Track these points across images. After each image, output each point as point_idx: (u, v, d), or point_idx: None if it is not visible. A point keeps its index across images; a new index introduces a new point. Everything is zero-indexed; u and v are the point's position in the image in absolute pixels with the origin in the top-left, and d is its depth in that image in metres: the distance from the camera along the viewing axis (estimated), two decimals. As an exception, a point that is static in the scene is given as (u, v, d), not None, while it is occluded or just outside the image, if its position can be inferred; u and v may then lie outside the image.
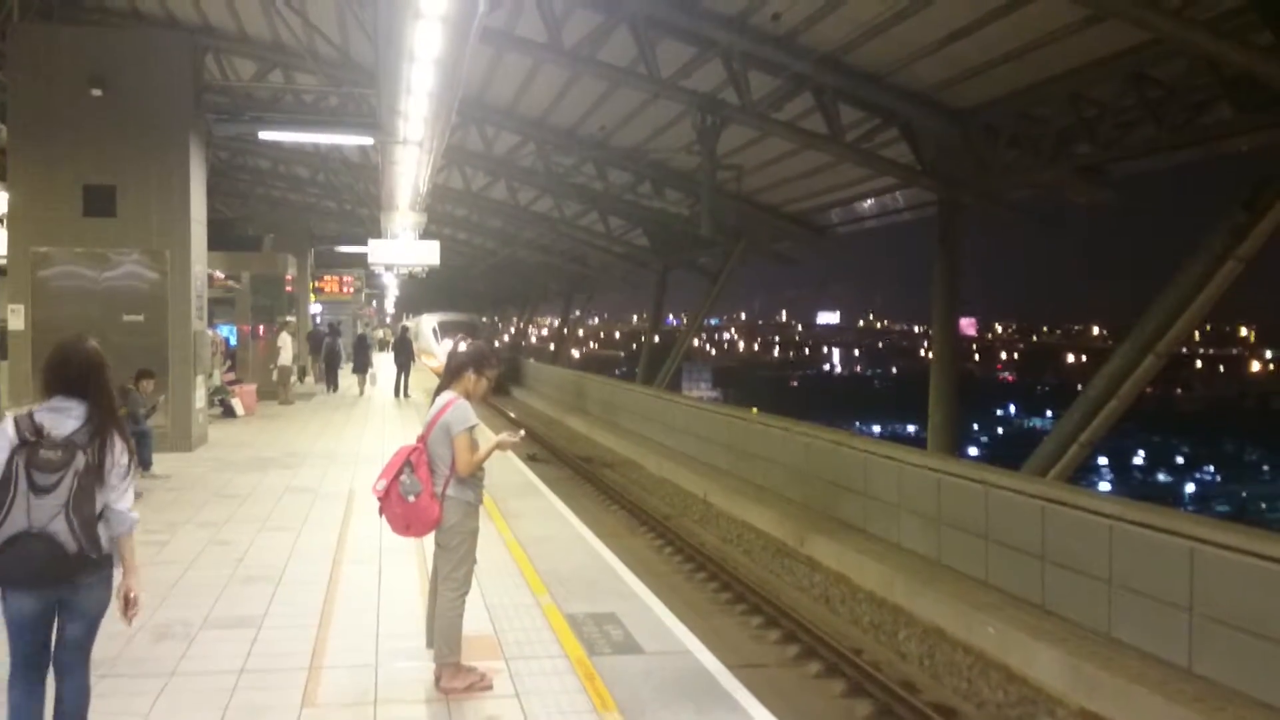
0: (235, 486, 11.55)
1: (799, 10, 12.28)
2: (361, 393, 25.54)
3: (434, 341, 38.09)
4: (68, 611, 3.87)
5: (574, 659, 5.82)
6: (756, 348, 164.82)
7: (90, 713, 4.01)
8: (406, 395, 24.41)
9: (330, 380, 26.70)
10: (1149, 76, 11.32)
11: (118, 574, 3.97)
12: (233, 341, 23.85)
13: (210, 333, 17.42)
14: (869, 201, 19.46)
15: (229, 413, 18.89)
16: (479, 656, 5.66)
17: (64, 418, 3.80)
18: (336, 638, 6.15)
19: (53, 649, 3.93)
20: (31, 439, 3.72)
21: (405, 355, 25.48)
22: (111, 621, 4.01)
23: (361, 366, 26.67)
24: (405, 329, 29.41)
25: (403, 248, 25.58)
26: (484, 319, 53.34)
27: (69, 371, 3.89)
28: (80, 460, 3.74)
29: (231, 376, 21.54)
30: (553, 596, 7.15)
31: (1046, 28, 11.10)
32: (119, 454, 3.88)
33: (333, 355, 26.98)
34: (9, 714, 3.88)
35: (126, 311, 13.85)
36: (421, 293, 63.77)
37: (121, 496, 3.90)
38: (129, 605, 3.94)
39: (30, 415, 3.80)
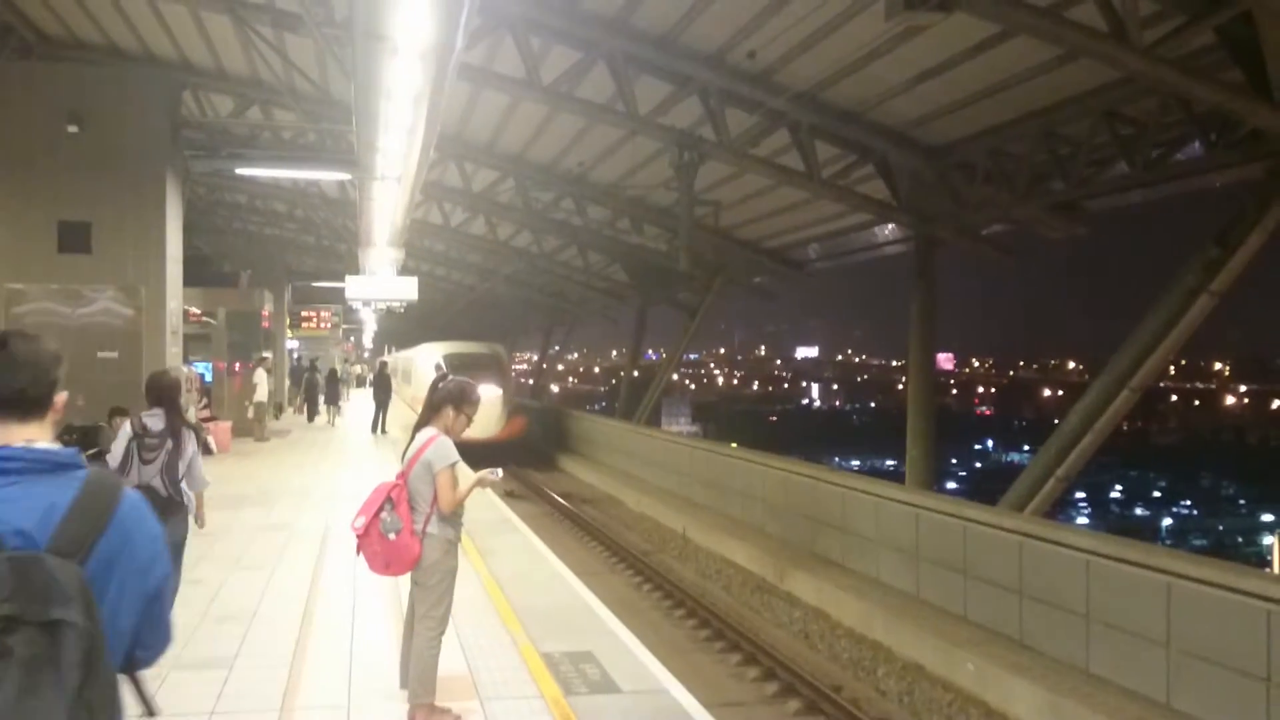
0: (208, 524, 11.37)
1: (774, 49, 12.38)
2: (331, 423, 27.58)
3: None
4: None
5: (550, 699, 5.75)
6: (736, 382, 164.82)
7: None
8: (384, 432, 24.33)
9: (310, 412, 29.02)
10: (1121, 114, 11.47)
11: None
12: (208, 378, 23.67)
13: (185, 369, 17.28)
14: (846, 237, 19.58)
15: (204, 450, 18.69)
16: (454, 697, 5.58)
17: (157, 420, 6.36)
18: (309, 678, 6.07)
19: None
20: (140, 432, 6.30)
21: (384, 392, 25.49)
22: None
23: (332, 399, 28.55)
24: (384, 364, 29.26)
25: (381, 283, 25.49)
26: (514, 353, 47.19)
27: (156, 393, 6.52)
28: (169, 443, 6.30)
29: (207, 413, 21.33)
30: (529, 635, 7.08)
31: (1017, 67, 11.24)
32: (189, 441, 6.51)
33: (311, 388, 29.34)
34: None
35: (100, 348, 13.72)
36: (401, 327, 63.39)
37: (198, 465, 6.58)
38: (200, 521, 6.93)
39: (141, 418, 6.36)
